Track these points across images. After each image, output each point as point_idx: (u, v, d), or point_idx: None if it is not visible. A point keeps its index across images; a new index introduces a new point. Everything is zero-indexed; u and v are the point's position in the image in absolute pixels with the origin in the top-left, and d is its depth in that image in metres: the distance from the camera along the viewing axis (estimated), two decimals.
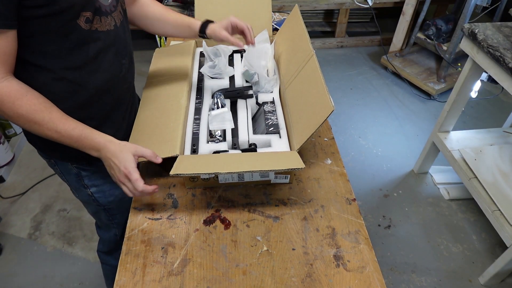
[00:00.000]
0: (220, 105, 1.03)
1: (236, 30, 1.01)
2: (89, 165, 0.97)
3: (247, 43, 1.02)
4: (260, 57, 1.14)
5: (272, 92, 1.11)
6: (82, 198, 1.06)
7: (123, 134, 0.98)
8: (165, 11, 1.04)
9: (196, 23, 1.02)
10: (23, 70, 0.76)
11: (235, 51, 1.27)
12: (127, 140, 1.00)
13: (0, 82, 0.71)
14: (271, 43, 1.24)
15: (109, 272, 1.37)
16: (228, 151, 0.93)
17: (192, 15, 1.61)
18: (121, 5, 0.89)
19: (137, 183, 0.78)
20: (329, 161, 1.02)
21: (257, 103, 1.10)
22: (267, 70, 1.16)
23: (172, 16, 1.04)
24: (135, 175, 0.78)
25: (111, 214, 1.09)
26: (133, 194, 0.81)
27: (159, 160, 0.82)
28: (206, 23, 1.01)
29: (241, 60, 1.22)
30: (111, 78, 0.87)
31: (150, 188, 0.80)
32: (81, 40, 0.77)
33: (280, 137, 0.98)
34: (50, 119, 0.76)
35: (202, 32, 1.01)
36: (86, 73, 0.82)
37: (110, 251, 1.27)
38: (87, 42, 0.79)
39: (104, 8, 0.80)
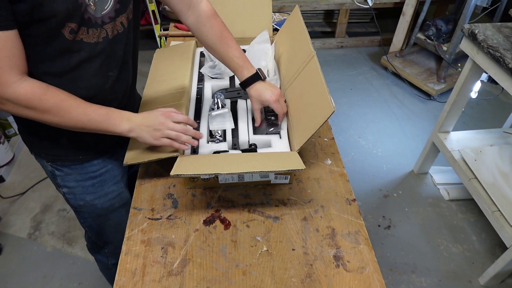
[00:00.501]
0: (220, 105, 1.03)
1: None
2: (62, 166, 0.96)
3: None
4: (261, 57, 1.14)
5: None
6: (60, 194, 1.07)
7: (109, 142, 0.97)
8: (220, 40, 0.97)
9: (242, 73, 0.97)
10: None
11: None
12: (116, 147, 1.00)
13: (21, 83, 0.71)
14: (271, 44, 1.24)
15: (101, 269, 1.38)
16: (228, 151, 0.93)
17: None
18: (127, 16, 0.85)
19: (179, 116, 0.83)
20: (329, 162, 1.02)
21: None
22: (268, 71, 1.16)
23: (223, 50, 0.98)
24: (174, 109, 0.83)
25: (83, 217, 1.09)
26: (184, 131, 0.84)
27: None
28: (251, 80, 0.96)
29: None
30: (93, 88, 0.85)
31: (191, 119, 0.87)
32: (64, 49, 0.76)
33: (280, 138, 0.98)
34: (77, 104, 0.78)
35: (243, 87, 0.98)
36: (66, 81, 0.80)
37: (92, 248, 1.28)
38: (69, 51, 0.77)
39: (95, 20, 0.77)
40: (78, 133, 0.88)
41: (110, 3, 0.78)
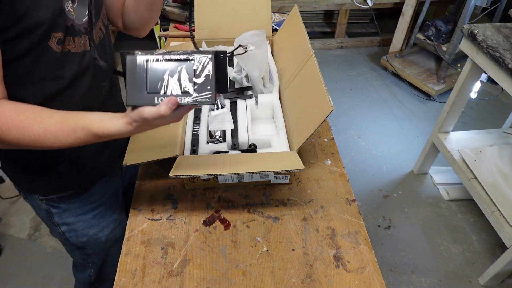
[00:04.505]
0: (219, 106, 1.03)
1: None
2: (59, 201, 0.89)
3: None
4: (254, 65, 1.10)
5: (271, 92, 1.11)
6: (55, 235, 0.99)
7: (107, 156, 0.94)
8: None
9: None
10: None
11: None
12: (113, 162, 0.95)
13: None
14: (268, 43, 1.24)
15: None
16: (228, 151, 0.93)
17: (192, 16, 1.61)
18: (102, 22, 0.81)
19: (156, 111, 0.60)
20: (329, 162, 1.02)
21: (256, 102, 1.10)
22: (263, 79, 1.13)
23: None
24: (150, 110, 0.59)
25: (86, 253, 1.02)
26: (174, 117, 0.63)
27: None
28: None
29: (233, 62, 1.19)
30: (87, 103, 0.79)
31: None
32: (54, 64, 0.70)
33: (279, 137, 0.98)
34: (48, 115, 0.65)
35: None
36: (60, 101, 0.74)
37: None
38: (60, 67, 0.71)
39: (78, 27, 0.71)
40: (77, 154, 0.83)
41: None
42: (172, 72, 0.61)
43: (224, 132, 1.00)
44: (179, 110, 0.61)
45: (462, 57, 2.56)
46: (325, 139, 1.09)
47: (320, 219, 0.87)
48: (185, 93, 0.61)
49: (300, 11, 1.17)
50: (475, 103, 2.68)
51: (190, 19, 0.81)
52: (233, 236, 0.84)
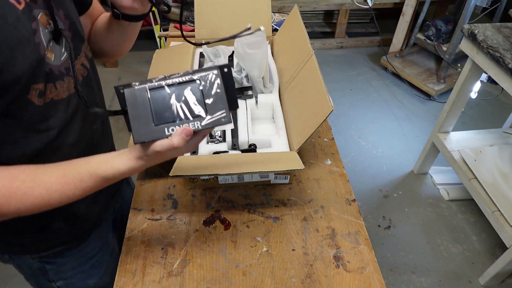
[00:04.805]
0: None
1: None
2: (55, 257, 0.80)
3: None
4: (254, 65, 1.10)
5: (271, 92, 1.11)
6: None
7: (103, 201, 0.87)
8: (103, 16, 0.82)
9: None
10: None
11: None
12: (108, 205, 0.90)
13: None
14: (268, 43, 1.24)
15: None
16: (228, 151, 0.93)
17: (192, 16, 1.61)
18: (85, 55, 0.71)
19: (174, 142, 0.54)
20: (329, 162, 1.02)
21: (256, 102, 1.10)
22: (263, 79, 1.13)
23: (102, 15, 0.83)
24: (162, 143, 0.54)
25: None
26: (188, 147, 0.58)
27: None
28: None
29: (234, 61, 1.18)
30: (79, 151, 0.70)
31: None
32: (37, 120, 0.61)
33: (279, 137, 0.98)
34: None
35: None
36: (49, 155, 0.65)
37: None
38: (44, 120, 0.62)
39: (58, 69, 0.61)
40: (72, 207, 0.70)
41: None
42: (178, 97, 0.55)
43: (224, 132, 1.00)
44: (193, 139, 0.56)
45: (462, 57, 2.56)
46: (325, 139, 1.09)
47: (320, 219, 0.87)
48: (196, 117, 0.55)
49: (300, 11, 1.17)
50: (475, 103, 2.68)
51: (181, 17, 0.79)
52: (233, 236, 0.84)
